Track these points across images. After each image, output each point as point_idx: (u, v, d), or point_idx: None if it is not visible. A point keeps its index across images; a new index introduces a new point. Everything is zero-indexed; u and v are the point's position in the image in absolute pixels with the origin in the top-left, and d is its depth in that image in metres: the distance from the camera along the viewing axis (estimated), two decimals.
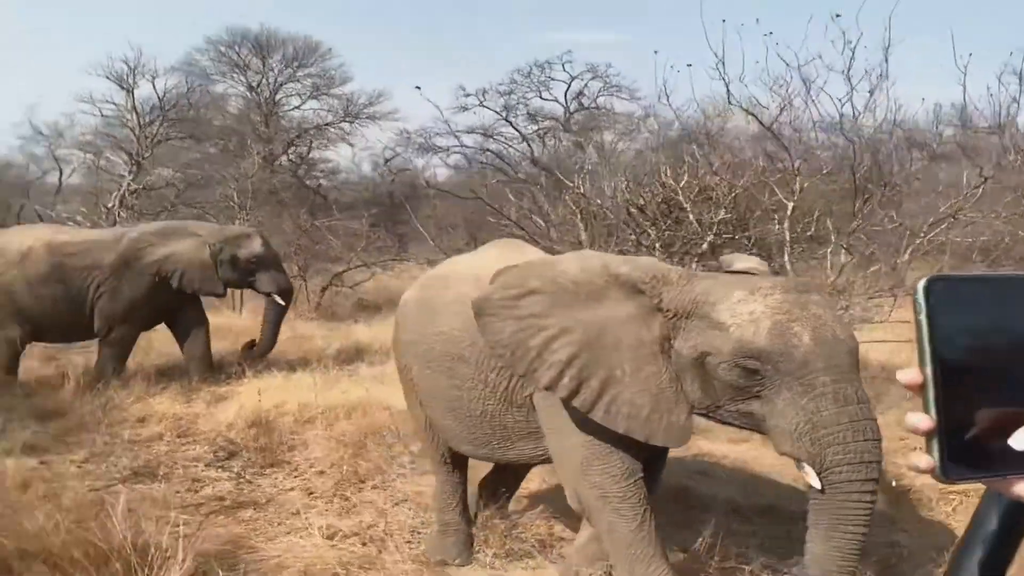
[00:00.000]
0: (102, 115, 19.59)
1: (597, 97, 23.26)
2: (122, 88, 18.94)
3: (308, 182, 26.55)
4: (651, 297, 3.42)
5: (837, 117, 7.02)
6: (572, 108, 23.36)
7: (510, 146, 23.68)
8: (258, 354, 9.83)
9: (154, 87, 18.89)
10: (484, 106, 23.23)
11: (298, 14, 60.48)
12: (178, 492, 6.19)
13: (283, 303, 9.84)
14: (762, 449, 6.91)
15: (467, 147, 24.45)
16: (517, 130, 23.22)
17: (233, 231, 9.94)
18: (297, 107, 27.97)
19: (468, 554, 4.87)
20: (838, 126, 7.03)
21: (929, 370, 0.94)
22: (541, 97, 23.52)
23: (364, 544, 5.17)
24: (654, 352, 3.39)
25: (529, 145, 23.21)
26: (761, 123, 6.94)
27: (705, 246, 6.71)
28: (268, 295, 9.76)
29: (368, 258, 16.10)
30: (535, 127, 23.67)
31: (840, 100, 7.12)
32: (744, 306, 3.14)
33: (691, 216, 6.74)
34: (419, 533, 5.35)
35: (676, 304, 3.33)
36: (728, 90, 6.83)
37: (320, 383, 8.46)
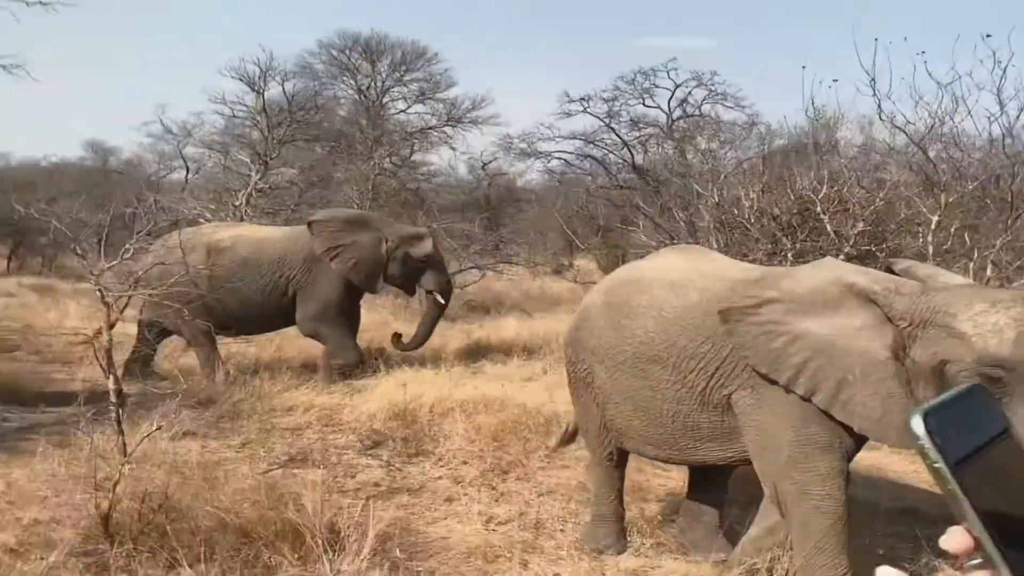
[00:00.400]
0: (233, 115, 20.53)
1: (701, 104, 23.32)
2: (253, 90, 19.84)
3: (409, 184, 27.16)
4: (884, 307, 3.67)
5: (987, 134, 7.15)
6: (675, 115, 23.45)
7: (611, 152, 23.83)
8: (411, 347, 10.23)
9: (283, 89, 19.76)
10: (588, 112, 23.45)
11: (407, 19, 61.95)
12: (336, 478, 6.57)
13: (444, 302, 10.29)
14: (893, 456, 7.06)
15: (568, 153, 24.71)
16: (619, 137, 23.37)
17: (408, 230, 10.37)
18: (403, 111, 28.56)
19: (622, 544, 5.13)
20: (988, 143, 7.12)
21: (979, 527, 0.84)
22: (644, 104, 23.67)
23: (522, 529, 5.47)
24: (884, 359, 3.65)
25: (630, 152, 23.34)
26: (911, 139, 7.08)
27: (842, 257, 6.85)
28: (430, 293, 10.15)
29: (479, 260, 16.47)
30: (637, 134, 23.80)
31: (990, 118, 7.23)
32: (986, 317, 3.35)
33: (829, 227, 6.90)
34: (567, 522, 5.63)
35: (912, 314, 3.56)
36: (880, 106, 7.05)
37: (450, 379, 8.85)
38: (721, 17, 62.40)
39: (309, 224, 9.78)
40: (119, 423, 6.11)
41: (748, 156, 21.13)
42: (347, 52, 28.00)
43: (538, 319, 14.11)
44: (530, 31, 62.86)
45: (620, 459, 5.11)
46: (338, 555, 4.65)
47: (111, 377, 6.18)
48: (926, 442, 0.85)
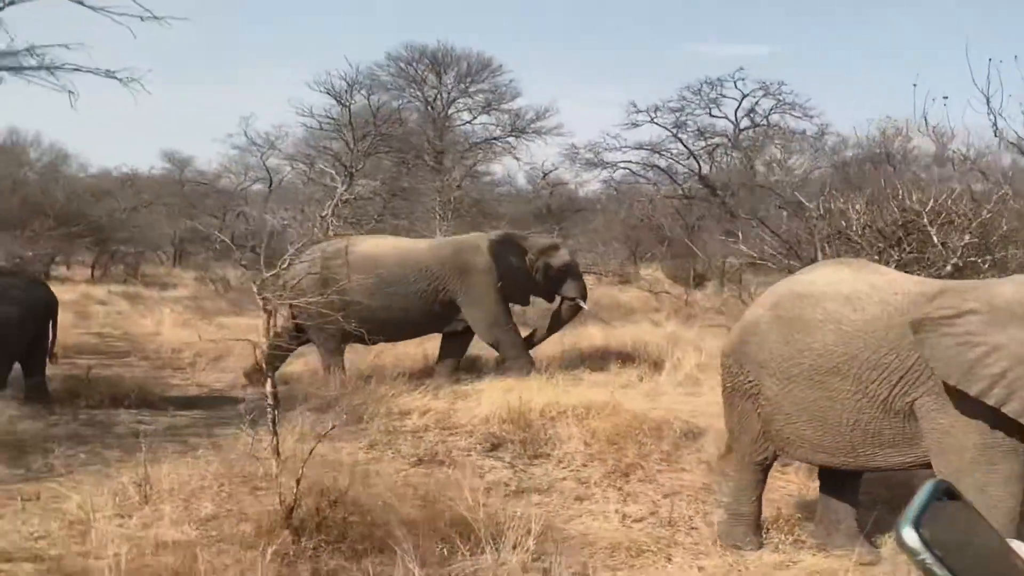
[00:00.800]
0: (321, 127, 21.16)
1: (769, 114, 23.49)
2: (340, 103, 20.47)
3: (472, 194, 27.63)
4: None
5: None
6: (742, 125, 23.66)
7: (677, 162, 24.10)
8: (536, 342, 10.78)
9: (368, 102, 20.31)
10: (655, 123, 23.76)
11: (473, 31, 63.02)
12: (466, 477, 6.93)
13: (584, 306, 10.91)
14: None
15: (633, 163, 25.00)
16: (686, 147, 23.63)
17: (543, 243, 10.94)
18: (468, 122, 29.06)
19: (759, 541, 5.43)
20: None
21: None
22: (711, 114, 23.91)
23: (658, 527, 5.81)
24: None
25: (697, 162, 23.58)
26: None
27: (949, 268, 7.11)
28: (572, 300, 10.68)
29: None
30: (703, 143, 24.05)
31: None
32: None
33: (935, 239, 7.15)
34: (699, 521, 5.95)
35: None
36: (995, 124, 7.30)
37: (555, 385, 9.21)
38: (771, 25, 62.25)
39: (453, 259, 10.35)
40: (274, 424, 6.55)
41: (819, 166, 21.36)
42: (414, 64, 28.61)
43: (619, 327, 14.39)
44: (585, 39, 63.28)
45: (770, 465, 5.40)
46: (500, 547, 5.01)
47: (268, 381, 6.63)
48: (928, 557, 0.85)
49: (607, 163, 24.77)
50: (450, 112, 29.11)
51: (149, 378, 10.46)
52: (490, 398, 8.85)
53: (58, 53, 11.98)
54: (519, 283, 10.36)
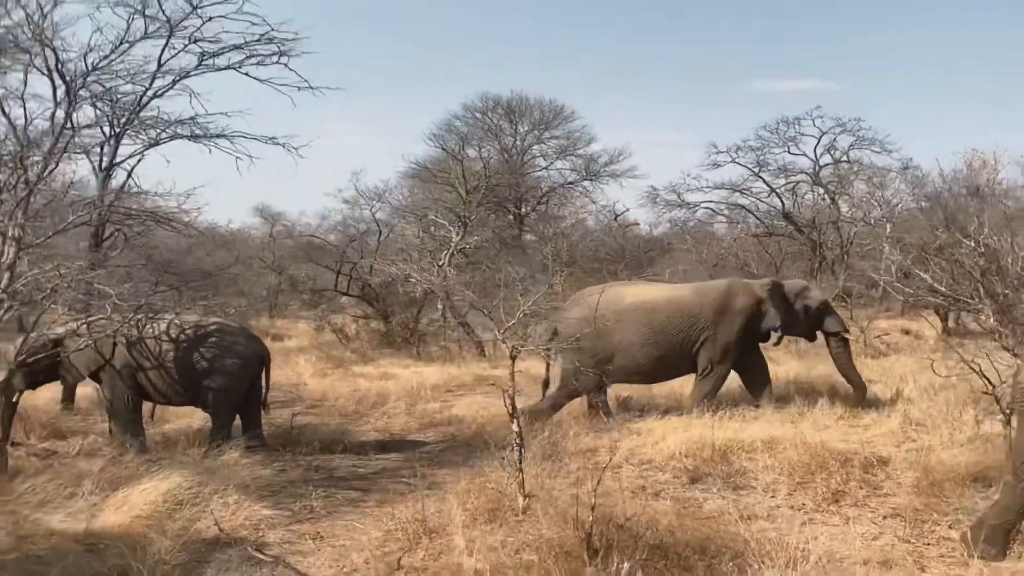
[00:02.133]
0: (435, 178, 22.10)
1: (849, 150, 24.03)
2: (454, 157, 21.38)
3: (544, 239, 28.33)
4: None
5: None
6: (822, 162, 24.21)
7: (760, 200, 24.68)
8: (860, 393, 11.30)
9: (480, 155, 21.23)
10: (736, 162, 24.40)
11: (546, 78, 64.64)
12: (685, 508, 7.50)
13: (849, 337, 11.56)
14: None
15: (714, 202, 25.61)
16: (768, 185, 24.23)
17: (797, 285, 11.65)
18: (544, 168, 29.87)
19: (1004, 553, 5.96)
20: None
21: None
22: (790, 152, 24.50)
23: (899, 543, 6.36)
24: None
25: (780, 199, 24.14)
26: None
27: None
28: (835, 335, 11.33)
29: None
30: (783, 181, 24.63)
31: None
32: None
33: None
34: (929, 537, 6.48)
35: None
36: None
37: (729, 419, 9.79)
38: (832, 59, 62.88)
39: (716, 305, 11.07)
40: (519, 461, 7.22)
41: (901, 200, 21.86)
42: (489, 114, 29.53)
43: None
44: (647, 83, 64.25)
45: None
46: (772, 566, 5.62)
47: (515, 421, 7.30)
48: None
49: (689, 204, 25.38)
50: (525, 159, 29.93)
51: (333, 425, 11.17)
52: (673, 434, 9.43)
53: (218, 120, 13.01)
54: (786, 324, 11.11)
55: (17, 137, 7.16)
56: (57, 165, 7.46)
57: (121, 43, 8.98)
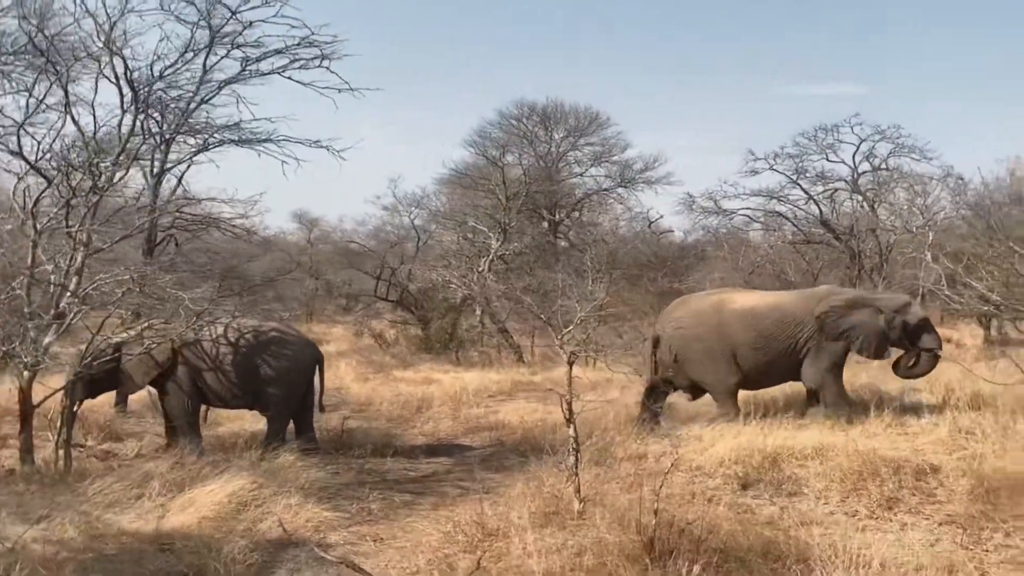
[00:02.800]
0: (476, 186, 22.26)
1: (888, 158, 23.89)
2: (496, 165, 21.54)
3: (579, 246, 28.34)
4: None
5: None
6: (860, 169, 24.10)
7: (797, 207, 24.61)
8: (913, 376, 11.43)
9: (520, 163, 21.36)
10: (775, 169, 24.36)
11: (582, 85, 64.96)
12: (740, 514, 7.55)
13: (940, 355, 11.47)
14: None
15: (751, 209, 25.54)
16: (806, 192, 24.17)
17: (899, 300, 11.64)
18: (579, 174, 29.90)
19: None
20: None
21: None
22: (828, 159, 24.40)
23: (955, 549, 6.38)
24: None
25: (818, 206, 24.07)
26: None
27: None
28: (931, 351, 11.28)
29: None
30: (821, 189, 24.54)
31: None
32: None
33: None
34: (985, 544, 6.50)
35: None
36: None
37: (776, 426, 9.81)
38: (859, 64, 62.62)
39: (817, 316, 11.10)
40: (576, 466, 7.31)
41: (943, 208, 21.73)
42: (524, 121, 29.62)
43: None
44: (678, 91, 64.28)
45: None
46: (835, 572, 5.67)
47: (571, 427, 7.40)
48: None
49: (725, 211, 25.34)
50: (560, 166, 29.99)
51: (381, 429, 11.32)
52: (721, 441, 9.48)
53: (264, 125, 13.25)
54: (873, 342, 11.10)
55: (86, 144, 7.35)
56: (127, 172, 7.64)
57: (186, 51, 9.19)
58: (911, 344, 11.28)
